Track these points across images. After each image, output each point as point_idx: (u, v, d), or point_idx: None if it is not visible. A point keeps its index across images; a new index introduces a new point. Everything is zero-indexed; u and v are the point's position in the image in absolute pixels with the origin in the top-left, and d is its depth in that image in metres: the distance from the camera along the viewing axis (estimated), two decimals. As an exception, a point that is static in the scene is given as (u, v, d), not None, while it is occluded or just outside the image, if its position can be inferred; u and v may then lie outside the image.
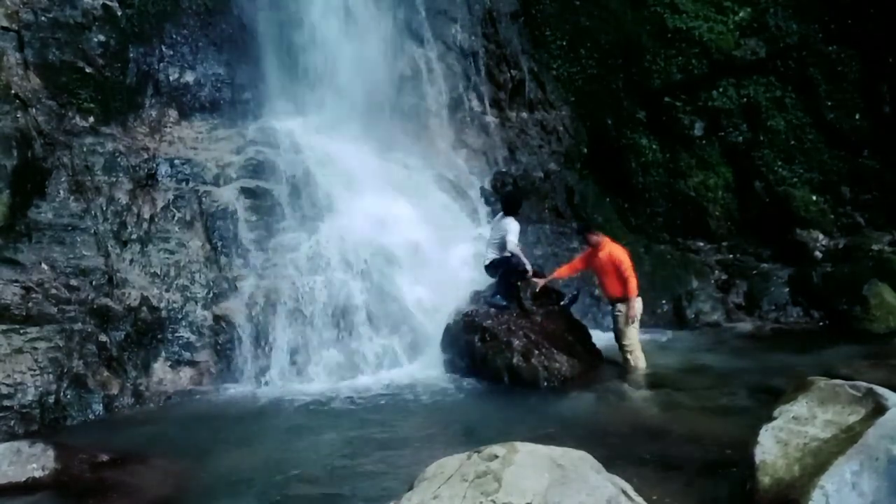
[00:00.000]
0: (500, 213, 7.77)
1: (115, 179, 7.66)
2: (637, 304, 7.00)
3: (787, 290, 9.47)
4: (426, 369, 7.30)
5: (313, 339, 7.46)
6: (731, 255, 10.26)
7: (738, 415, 5.14)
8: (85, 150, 7.62)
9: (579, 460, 2.96)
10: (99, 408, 6.30)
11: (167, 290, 7.38)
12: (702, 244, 10.59)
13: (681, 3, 10.64)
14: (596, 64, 11.28)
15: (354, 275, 7.99)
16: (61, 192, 7.26)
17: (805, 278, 9.35)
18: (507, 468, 2.78)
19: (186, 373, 7.11)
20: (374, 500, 3.89)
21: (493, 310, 7.21)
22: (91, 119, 7.87)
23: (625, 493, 2.85)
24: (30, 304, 6.37)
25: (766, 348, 7.90)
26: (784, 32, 10.21)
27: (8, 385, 5.86)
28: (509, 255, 7.39)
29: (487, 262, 7.59)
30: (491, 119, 11.19)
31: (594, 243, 7.24)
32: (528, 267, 7.44)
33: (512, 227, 7.40)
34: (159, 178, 8.03)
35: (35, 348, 6.16)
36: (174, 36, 8.99)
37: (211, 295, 7.55)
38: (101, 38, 8.19)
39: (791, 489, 2.98)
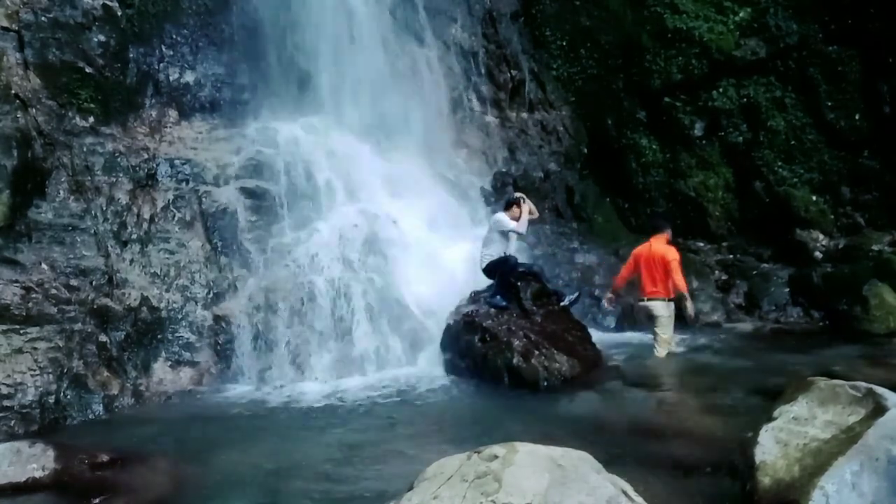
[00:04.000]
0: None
1: (115, 179, 7.66)
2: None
3: (787, 290, 9.47)
4: (426, 369, 7.30)
5: (313, 339, 7.46)
6: (731, 255, 10.27)
7: (738, 415, 5.13)
8: (85, 150, 7.62)
9: (579, 460, 2.95)
10: (99, 408, 6.30)
11: (167, 290, 7.38)
12: (702, 244, 10.58)
13: (681, 3, 10.63)
14: (596, 64, 11.28)
15: (354, 275, 7.99)
16: (61, 192, 7.26)
17: (805, 278, 9.34)
18: (507, 468, 2.77)
19: (186, 373, 7.11)
20: (374, 500, 3.88)
21: (493, 310, 7.21)
22: (91, 119, 7.87)
23: (625, 493, 2.84)
24: (30, 304, 6.37)
25: (766, 348, 7.89)
26: (784, 32, 10.20)
27: (8, 385, 5.86)
28: (505, 255, 7.44)
29: (484, 264, 7.62)
30: (491, 119, 11.19)
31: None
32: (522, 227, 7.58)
33: (503, 220, 7.53)
34: (159, 178, 8.03)
35: (35, 348, 6.16)
36: (174, 36, 8.99)
37: (211, 295, 7.55)
38: (101, 38, 8.19)
39: (791, 489, 2.97)
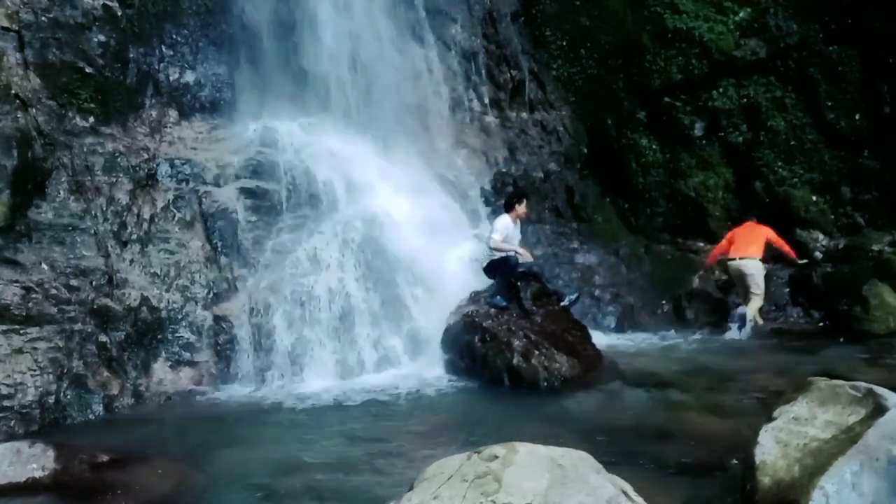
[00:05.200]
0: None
1: (115, 179, 7.66)
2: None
3: (787, 290, 9.47)
4: (426, 369, 7.30)
5: (313, 339, 7.46)
6: (730, 256, 10.25)
7: (738, 415, 5.14)
8: (85, 150, 7.62)
9: (579, 460, 2.95)
10: (99, 408, 6.31)
11: (167, 291, 7.39)
12: (702, 244, 10.56)
13: (681, 3, 10.61)
14: (596, 64, 11.27)
15: (354, 275, 7.99)
16: (61, 192, 7.26)
17: (805, 278, 9.34)
18: (507, 468, 2.78)
19: (186, 373, 7.11)
20: (375, 500, 3.88)
21: (493, 310, 7.21)
22: (91, 119, 7.87)
23: (625, 493, 2.84)
24: (30, 304, 6.37)
25: (766, 348, 7.89)
26: (784, 32, 10.19)
27: (8, 385, 5.86)
28: (506, 255, 7.44)
29: (485, 263, 7.63)
30: (491, 119, 11.18)
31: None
32: (522, 251, 7.52)
33: (498, 224, 7.53)
34: (159, 179, 8.03)
35: (35, 348, 6.16)
36: (174, 36, 8.99)
37: (211, 295, 7.55)
38: (101, 38, 8.19)
39: (791, 490, 2.98)
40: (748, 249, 8.73)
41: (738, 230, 9.09)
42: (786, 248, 9.06)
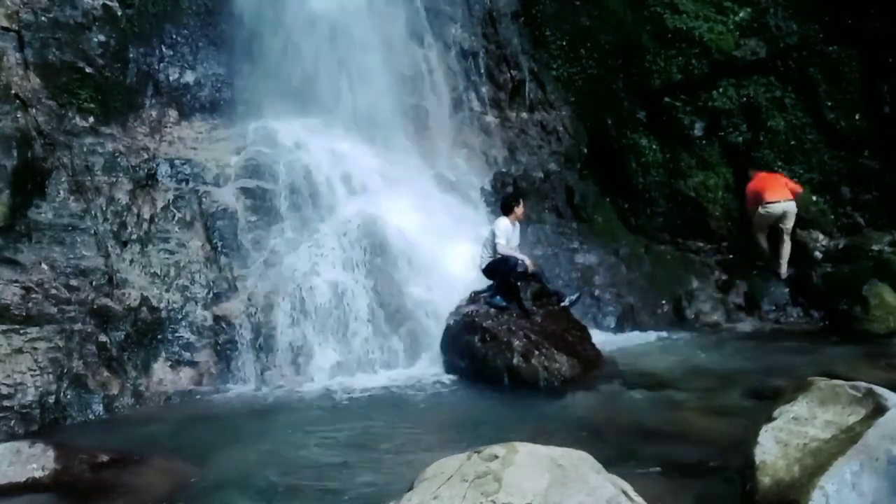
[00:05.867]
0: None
1: (115, 179, 7.66)
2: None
3: (787, 290, 9.47)
4: (426, 369, 7.31)
5: (313, 339, 7.46)
6: (731, 256, 10.25)
7: (738, 415, 5.13)
8: (85, 150, 7.62)
9: (579, 460, 2.95)
10: (99, 408, 6.31)
11: (167, 291, 7.39)
12: (702, 244, 10.56)
13: (681, 4, 10.61)
14: (596, 64, 11.26)
15: (354, 275, 7.99)
16: (61, 192, 7.25)
17: (805, 278, 9.34)
18: (507, 468, 2.78)
19: (186, 373, 7.11)
20: (374, 500, 3.88)
21: (492, 310, 7.21)
22: (91, 119, 7.87)
23: (625, 493, 2.84)
24: (30, 304, 6.37)
25: (766, 348, 7.88)
26: (784, 32, 10.18)
27: (8, 385, 5.86)
28: (505, 256, 7.44)
29: (484, 265, 7.62)
30: (491, 119, 11.17)
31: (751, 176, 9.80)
32: (527, 262, 7.51)
33: (499, 228, 7.50)
34: (159, 179, 8.03)
35: (35, 348, 6.16)
36: (174, 36, 8.99)
37: (211, 295, 7.55)
38: (101, 38, 8.19)
39: (791, 490, 2.98)
40: (784, 193, 9.30)
41: (761, 177, 9.56)
42: (798, 188, 9.55)
